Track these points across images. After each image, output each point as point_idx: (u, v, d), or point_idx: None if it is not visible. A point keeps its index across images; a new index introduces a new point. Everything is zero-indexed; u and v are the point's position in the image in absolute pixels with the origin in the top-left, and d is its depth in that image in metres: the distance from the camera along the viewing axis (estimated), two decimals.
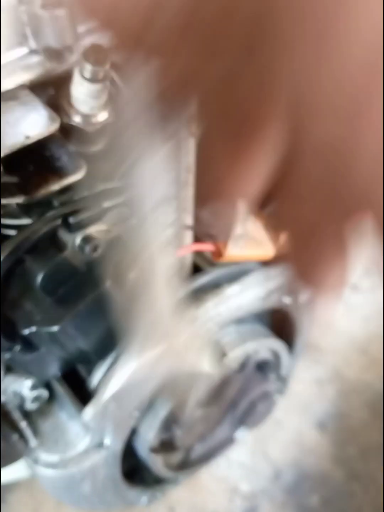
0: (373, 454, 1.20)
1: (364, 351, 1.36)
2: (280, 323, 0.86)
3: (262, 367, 0.84)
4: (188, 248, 0.62)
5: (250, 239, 0.62)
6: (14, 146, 0.55)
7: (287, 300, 0.78)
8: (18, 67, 0.61)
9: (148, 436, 0.71)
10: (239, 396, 0.83)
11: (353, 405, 1.27)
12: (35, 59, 0.61)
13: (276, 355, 0.83)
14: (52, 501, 1.17)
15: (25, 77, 0.61)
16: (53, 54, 0.63)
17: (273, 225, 0.64)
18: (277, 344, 0.80)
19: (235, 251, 0.61)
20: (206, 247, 0.61)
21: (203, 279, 0.69)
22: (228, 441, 0.91)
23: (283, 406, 1.24)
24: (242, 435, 0.92)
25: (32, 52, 0.62)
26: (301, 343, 0.89)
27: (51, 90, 0.67)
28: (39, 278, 0.58)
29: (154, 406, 0.70)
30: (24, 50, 0.61)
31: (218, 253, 0.61)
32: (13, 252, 0.56)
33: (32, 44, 0.61)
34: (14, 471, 1.00)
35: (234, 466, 1.19)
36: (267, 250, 0.64)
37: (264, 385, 0.84)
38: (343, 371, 1.33)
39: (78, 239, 0.58)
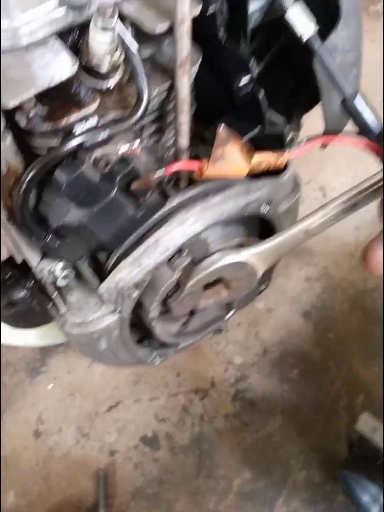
0: (349, 340, 1.40)
1: (352, 255, 1.53)
2: (263, 229, 1.03)
3: None
4: (176, 166, 0.78)
5: (227, 160, 0.78)
6: (44, 86, 0.71)
7: (265, 209, 0.94)
8: (47, 19, 0.75)
9: (149, 307, 0.92)
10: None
11: (336, 300, 1.46)
12: (61, 12, 0.75)
13: None
14: (83, 365, 1.42)
15: (52, 27, 0.75)
16: (75, 7, 0.76)
17: (247, 149, 0.80)
18: (255, 243, 0.98)
19: (213, 170, 0.77)
20: (191, 165, 0.77)
21: (193, 190, 0.86)
22: (218, 318, 1.11)
23: (275, 298, 1.44)
24: (231, 315, 1.11)
25: (59, 5, 0.76)
26: None
27: (75, 33, 0.81)
28: (64, 185, 0.75)
29: (154, 283, 0.89)
30: (51, 5, 0.75)
31: (200, 172, 0.77)
32: (44, 166, 0.74)
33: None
34: (52, 336, 1.23)
35: (230, 344, 1.41)
36: (241, 170, 0.80)
37: None
38: (331, 271, 1.50)
39: (92, 158, 0.74)
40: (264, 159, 0.83)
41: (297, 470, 1.23)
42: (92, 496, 1.24)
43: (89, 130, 0.75)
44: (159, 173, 0.77)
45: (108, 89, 0.81)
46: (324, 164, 1.63)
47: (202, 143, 0.99)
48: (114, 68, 0.79)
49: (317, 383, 1.34)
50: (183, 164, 0.80)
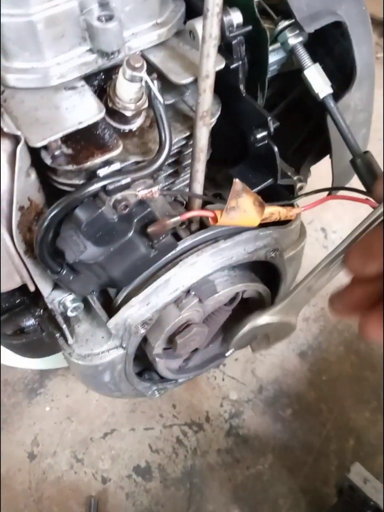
0: (342, 383, 1.39)
1: None
2: (269, 272, 1.04)
3: (249, 303, 1.03)
4: (192, 213, 0.80)
5: (240, 211, 0.79)
6: (70, 129, 0.72)
7: (272, 255, 0.95)
8: (77, 62, 0.77)
9: (154, 344, 0.92)
10: (228, 323, 1.02)
11: (332, 342, 1.46)
12: (91, 57, 0.77)
13: (260, 295, 1.01)
14: (82, 390, 1.42)
15: (82, 70, 0.77)
16: (104, 53, 0.78)
17: (260, 201, 0.81)
18: (260, 287, 0.98)
19: (226, 220, 0.78)
20: (207, 214, 0.79)
21: (205, 235, 0.87)
22: (219, 356, 1.11)
23: None
24: (230, 353, 1.11)
25: (89, 50, 0.78)
26: (284, 288, 1.07)
27: (101, 76, 0.83)
28: (83, 224, 0.76)
29: (160, 322, 0.90)
30: (83, 49, 0.77)
31: (215, 219, 0.79)
32: (68, 205, 0.75)
33: (89, 45, 0.77)
34: (54, 361, 1.23)
35: (227, 379, 1.40)
36: (253, 221, 0.81)
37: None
38: (328, 313, 1.51)
39: (113, 200, 0.76)
40: (275, 211, 0.85)
41: (285, 510, 1.22)
42: None
43: (112, 174, 0.76)
44: (175, 220, 0.78)
45: (130, 131, 0.83)
46: (326, 205, 1.64)
47: (213, 185, 1.01)
48: (138, 113, 0.81)
49: (309, 425, 1.33)
50: (199, 212, 0.81)
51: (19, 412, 1.38)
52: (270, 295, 1.04)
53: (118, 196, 0.76)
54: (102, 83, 0.83)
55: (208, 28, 0.70)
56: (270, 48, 0.88)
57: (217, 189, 0.97)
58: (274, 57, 0.93)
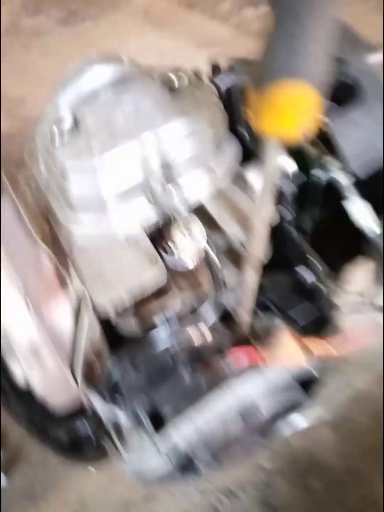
0: (371, 457, 1.45)
1: (373, 367, 1.57)
2: None
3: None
4: (241, 356, 0.85)
5: (286, 353, 0.85)
6: (135, 291, 0.78)
7: (316, 372, 1.00)
8: (141, 216, 0.82)
9: (200, 458, 0.99)
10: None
11: (363, 414, 1.51)
12: (151, 209, 0.83)
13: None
14: None
15: (144, 223, 0.83)
16: (163, 207, 0.84)
17: (304, 342, 0.86)
18: (300, 397, 1.04)
19: (273, 360, 0.84)
20: (255, 357, 0.85)
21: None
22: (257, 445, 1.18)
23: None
24: None
25: (148, 204, 0.83)
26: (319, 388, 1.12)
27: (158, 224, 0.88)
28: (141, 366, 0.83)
29: (207, 440, 0.97)
30: (142, 203, 0.83)
31: (261, 362, 0.85)
32: (128, 352, 0.82)
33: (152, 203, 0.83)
34: None
35: (261, 448, 1.47)
36: (298, 361, 0.87)
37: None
38: (356, 382, 1.55)
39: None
40: (319, 350, 0.90)
41: None
42: None
43: (168, 320, 0.82)
44: (226, 362, 0.85)
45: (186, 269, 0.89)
46: None
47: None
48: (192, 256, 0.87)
49: (337, 496, 1.39)
50: (247, 355, 0.87)
51: (66, 472, 1.47)
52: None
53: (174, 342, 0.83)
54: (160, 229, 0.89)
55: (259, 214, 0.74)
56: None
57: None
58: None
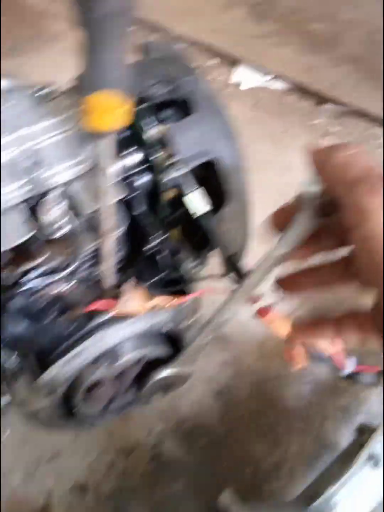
0: (247, 420, 1.69)
1: (260, 345, 1.83)
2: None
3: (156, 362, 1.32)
4: (92, 306, 1.09)
5: (131, 304, 1.09)
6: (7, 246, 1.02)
7: (168, 327, 1.25)
8: (18, 193, 1.06)
9: (76, 396, 1.21)
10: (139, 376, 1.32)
11: (244, 383, 1.76)
12: (27, 188, 1.07)
13: (165, 354, 1.30)
14: None
15: (21, 198, 1.07)
16: (37, 186, 1.08)
17: (150, 295, 1.11)
18: (161, 350, 1.28)
19: (120, 311, 1.08)
20: (104, 306, 1.09)
21: (110, 316, 1.17)
22: (137, 401, 1.40)
23: (196, 377, 1.73)
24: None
25: (25, 183, 1.07)
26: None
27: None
28: (14, 312, 1.07)
29: (79, 379, 1.19)
30: (21, 182, 1.07)
31: (111, 310, 1.09)
32: (4, 300, 1.05)
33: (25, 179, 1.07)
34: None
35: (154, 412, 1.69)
36: (141, 310, 1.11)
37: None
38: (243, 358, 1.80)
39: (37, 295, 1.06)
40: (159, 302, 1.14)
41: None
42: None
43: (36, 277, 1.06)
44: (81, 310, 1.09)
45: (56, 238, 1.12)
46: None
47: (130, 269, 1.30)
48: (60, 227, 1.10)
49: (217, 454, 1.62)
50: (98, 305, 1.11)
51: None
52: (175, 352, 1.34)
53: (41, 292, 1.06)
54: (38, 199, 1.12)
55: (101, 181, 0.99)
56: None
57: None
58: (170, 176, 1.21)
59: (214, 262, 1.37)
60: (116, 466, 1.61)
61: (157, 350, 1.28)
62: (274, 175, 2.26)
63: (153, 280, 1.19)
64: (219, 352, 1.79)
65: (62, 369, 1.15)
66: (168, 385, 1.20)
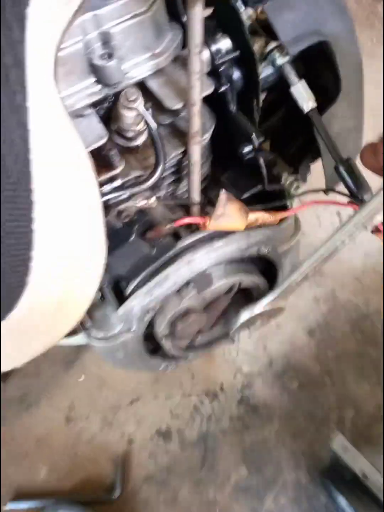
0: (346, 359, 1.51)
1: (358, 279, 1.63)
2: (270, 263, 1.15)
3: (247, 292, 1.15)
4: (183, 221, 0.92)
5: (226, 218, 0.91)
6: None
7: (265, 250, 1.06)
8: (85, 93, 0.89)
9: (159, 328, 1.06)
10: (230, 308, 1.15)
11: (339, 320, 1.57)
12: (96, 87, 0.89)
13: (257, 285, 1.13)
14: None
15: (89, 100, 0.89)
16: (109, 84, 0.90)
17: (245, 208, 0.92)
18: (256, 278, 1.10)
19: (214, 226, 0.90)
20: (196, 221, 0.91)
21: (200, 235, 0.99)
22: (224, 337, 1.24)
23: (285, 315, 1.55)
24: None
25: (94, 82, 0.89)
26: (282, 278, 1.18)
27: (109, 100, 0.95)
28: None
29: (163, 309, 1.04)
30: (89, 82, 0.89)
31: (204, 225, 0.91)
32: None
33: (94, 77, 0.89)
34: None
35: (240, 353, 1.54)
36: (239, 227, 0.93)
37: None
38: (337, 293, 1.61)
39: (115, 211, 0.89)
40: (259, 217, 0.96)
41: (287, 471, 1.35)
42: (111, 477, 1.40)
43: (114, 189, 0.89)
44: (169, 226, 0.91)
45: (135, 147, 0.95)
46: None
47: (218, 185, 1.12)
48: (139, 133, 0.93)
49: (313, 396, 1.45)
50: (189, 220, 0.93)
51: (57, 381, 1.57)
52: (268, 284, 1.16)
53: (121, 207, 0.90)
54: (111, 105, 0.95)
55: (191, 65, 0.80)
56: (263, 64, 0.98)
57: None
58: (267, 72, 1.02)
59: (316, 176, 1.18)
60: (201, 410, 1.47)
61: (250, 278, 1.10)
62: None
63: (249, 192, 1.00)
64: (311, 287, 1.61)
65: (144, 298, 0.99)
66: (256, 321, 1.04)
